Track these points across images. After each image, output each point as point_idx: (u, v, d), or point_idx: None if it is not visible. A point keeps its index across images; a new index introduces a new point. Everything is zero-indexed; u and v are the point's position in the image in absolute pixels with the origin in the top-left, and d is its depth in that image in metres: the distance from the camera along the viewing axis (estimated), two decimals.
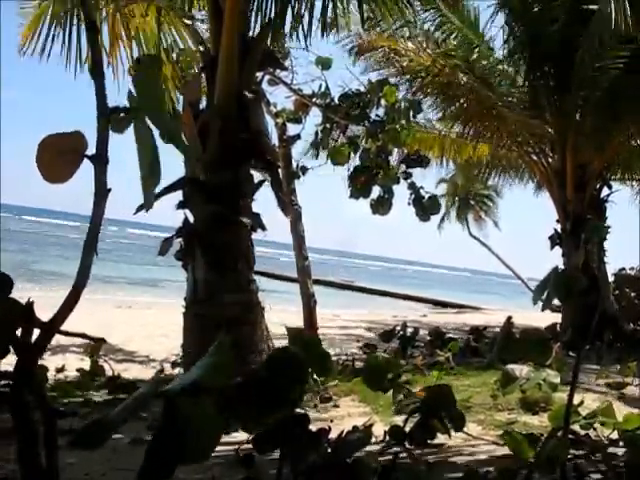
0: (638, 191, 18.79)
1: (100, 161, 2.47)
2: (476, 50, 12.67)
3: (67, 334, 2.53)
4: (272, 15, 7.74)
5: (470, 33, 12.82)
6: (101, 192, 2.48)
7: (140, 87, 2.57)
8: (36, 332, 2.38)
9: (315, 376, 6.36)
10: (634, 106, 11.49)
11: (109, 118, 2.51)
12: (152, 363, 9.26)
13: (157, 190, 2.82)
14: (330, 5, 7.72)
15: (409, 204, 12.61)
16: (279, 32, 8.22)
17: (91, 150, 2.49)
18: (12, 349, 2.32)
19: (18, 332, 2.33)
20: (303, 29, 7.79)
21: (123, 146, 3.08)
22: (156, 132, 2.63)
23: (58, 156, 2.41)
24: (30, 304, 2.34)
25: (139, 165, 2.57)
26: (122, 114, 2.70)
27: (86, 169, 2.51)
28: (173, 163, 6.14)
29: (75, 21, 8.94)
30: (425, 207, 12.54)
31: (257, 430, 2.90)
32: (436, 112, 14.54)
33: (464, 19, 12.88)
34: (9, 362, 2.33)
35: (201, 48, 8.47)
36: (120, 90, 7.91)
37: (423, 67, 12.95)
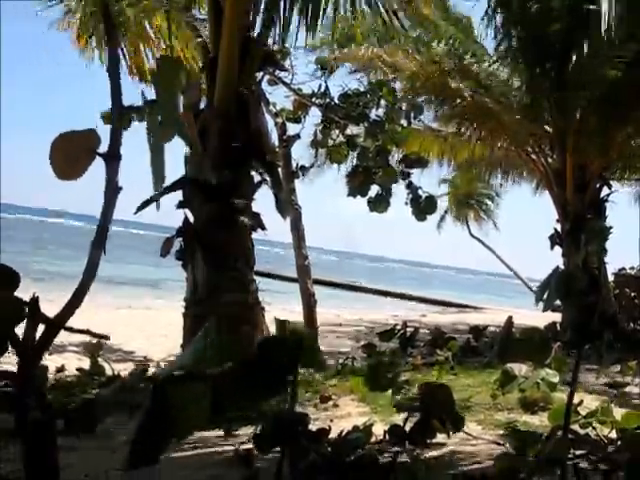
0: (638, 191, 18.79)
1: (112, 158, 2.48)
2: (469, 53, 12.58)
3: (72, 330, 2.53)
4: (272, 15, 7.76)
5: (462, 37, 12.73)
6: (112, 189, 2.48)
7: (161, 84, 2.59)
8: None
9: (310, 372, 6.36)
10: (635, 106, 11.47)
11: (123, 116, 2.53)
12: (152, 363, 9.24)
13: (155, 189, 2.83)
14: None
15: (406, 204, 12.62)
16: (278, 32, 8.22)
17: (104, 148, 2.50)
18: (11, 347, 2.32)
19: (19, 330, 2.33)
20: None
21: (124, 145, 3.08)
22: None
23: (71, 153, 2.41)
24: (35, 299, 2.33)
25: (151, 162, 2.58)
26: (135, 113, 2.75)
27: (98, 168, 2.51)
28: (173, 163, 6.13)
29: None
30: (422, 207, 12.55)
31: (249, 417, 2.89)
32: (430, 113, 14.48)
33: (456, 24, 12.81)
34: (9, 361, 2.33)
35: (201, 48, 8.48)
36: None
37: (410, 73, 12.76)
